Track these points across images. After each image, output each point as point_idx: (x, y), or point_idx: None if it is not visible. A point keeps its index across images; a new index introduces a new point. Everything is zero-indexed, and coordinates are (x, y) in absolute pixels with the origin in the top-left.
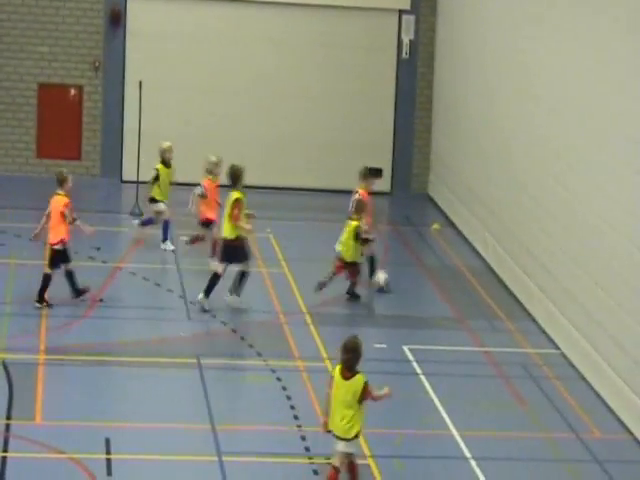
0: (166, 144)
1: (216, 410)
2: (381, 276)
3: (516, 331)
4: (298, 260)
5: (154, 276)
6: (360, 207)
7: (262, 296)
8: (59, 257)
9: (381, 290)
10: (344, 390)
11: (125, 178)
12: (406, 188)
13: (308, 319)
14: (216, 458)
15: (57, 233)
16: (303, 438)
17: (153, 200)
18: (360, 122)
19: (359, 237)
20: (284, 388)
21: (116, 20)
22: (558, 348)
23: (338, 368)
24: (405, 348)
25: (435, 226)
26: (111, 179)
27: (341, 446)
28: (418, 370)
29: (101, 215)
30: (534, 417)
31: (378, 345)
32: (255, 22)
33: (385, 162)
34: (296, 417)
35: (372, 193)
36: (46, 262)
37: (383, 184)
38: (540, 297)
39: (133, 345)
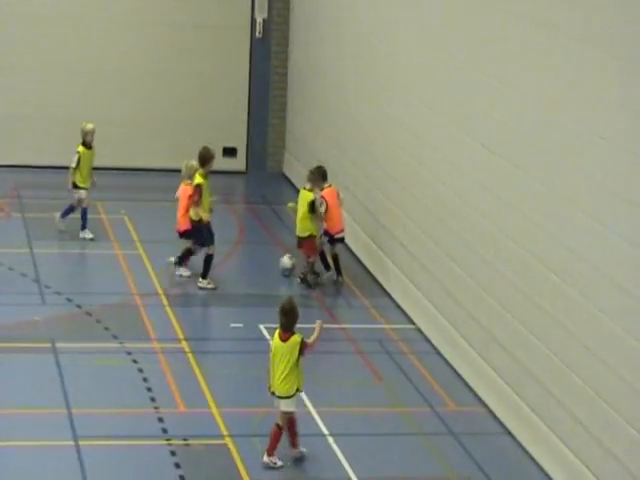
0: (89, 126)
1: (72, 394)
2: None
3: (372, 307)
4: (153, 241)
5: (6, 260)
6: None
7: (117, 278)
8: None
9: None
10: (282, 352)
11: None
12: (261, 167)
13: (164, 300)
14: (73, 442)
15: None
16: (160, 420)
17: (75, 186)
18: (214, 102)
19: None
20: (140, 370)
21: None
22: (413, 323)
23: (277, 332)
24: (261, 327)
25: (290, 204)
26: None
27: (282, 405)
28: None
29: None
30: (391, 392)
31: (234, 324)
32: (105, 4)
33: (240, 142)
34: (153, 399)
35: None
36: None
37: (238, 164)
38: (396, 272)
39: None
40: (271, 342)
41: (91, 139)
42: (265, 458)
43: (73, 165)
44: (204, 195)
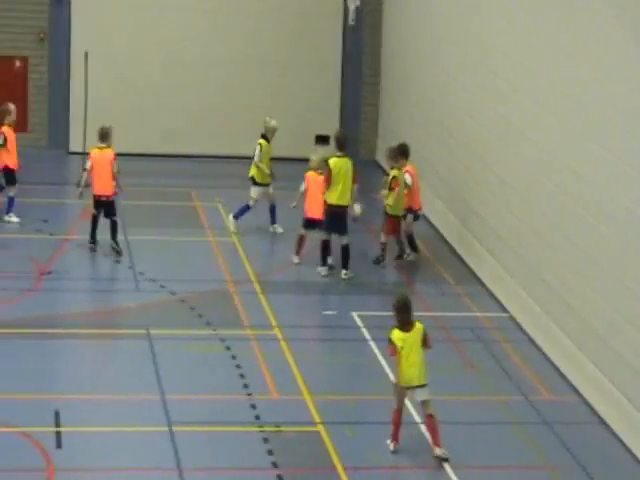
0: (273, 122)
1: (166, 380)
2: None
3: (465, 295)
4: (247, 229)
5: (102, 247)
6: None
7: (211, 265)
8: None
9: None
10: (412, 340)
11: (72, 149)
12: (354, 154)
13: (257, 287)
14: (167, 428)
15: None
16: (253, 406)
17: (255, 183)
18: (307, 90)
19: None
20: (233, 357)
21: None
22: (507, 311)
23: (396, 330)
24: (354, 314)
25: (383, 192)
26: (58, 151)
27: (422, 394)
28: (367, 336)
29: (48, 187)
30: (484, 380)
31: (327, 312)
32: None
33: (332, 129)
34: (246, 386)
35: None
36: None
37: (331, 151)
38: (489, 260)
39: (82, 317)
40: (397, 337)
41: (272, 135)
42: (437, 451)
43: (256, 159)
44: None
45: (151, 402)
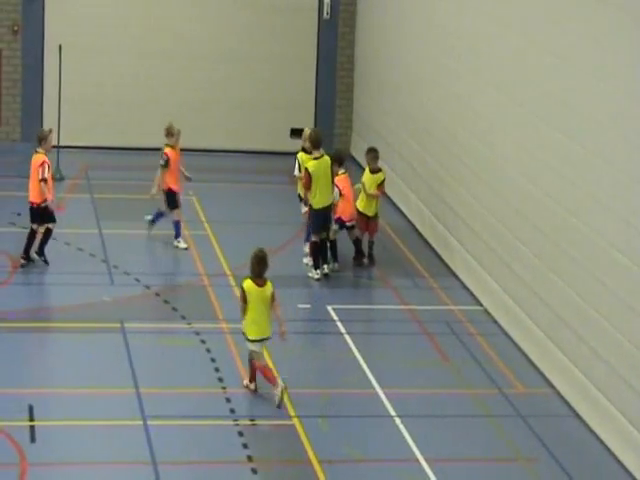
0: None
1: (140, 374)
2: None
3: (439, 288)
4: (221, 222)
5: (76, 241)
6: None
7: (185, 259)
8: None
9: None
10: (261, 296)
11: None
12: (328, 147)
13: (232, 281)
14: (141, 422)
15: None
16: (228, 400)
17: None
18: (282, 82)
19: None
20: (208, 350)
21: None
22: (480, 304)
23: (248, 280)
24: (329, 308)
25: (357, 185)
26: (31, 144)
27: (253, 346)
28: (342, 329)
29: (21, 180)
30: (458, 373)
31: (302, 305)
32: None
33: (307, 122)
34: (220, 379)
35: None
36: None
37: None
38: (462, 253)
39: (56, 311)
40: (248, 287)
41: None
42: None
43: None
44: None
45: (125, 396)
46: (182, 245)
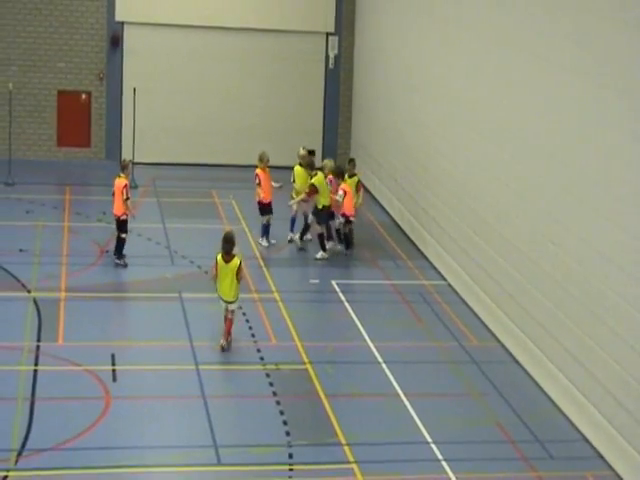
0: (302, 152)
1: (193, 331)
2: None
3: (414, 268)
4: (252, 218)
5: (145, 232)
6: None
7: None
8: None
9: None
10: (225, 270)
11: None
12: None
13: (261, 262)
14: (194, 367)
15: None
16: (258, 350)
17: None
18: (299, 117)
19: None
20: (244, 314)
21: (115, 42)
22: (445, 280)
23: (220, 255)
24: (333, 282)
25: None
26: (113, 161)
27: (230, 306)
28: (343, 298)
29: (105, 188)
30: (428, 331)
31: (313, 280)
32: (221, 43)
33: (317, 145)
34: (253, 335)
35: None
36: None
37: (317, 161)
38: (432, 243)
39: (131, 284)
40: (219, 261)
41: (303, 162)
42: (222, 341)
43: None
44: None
45: (183, 347)
46: (264, 243)
